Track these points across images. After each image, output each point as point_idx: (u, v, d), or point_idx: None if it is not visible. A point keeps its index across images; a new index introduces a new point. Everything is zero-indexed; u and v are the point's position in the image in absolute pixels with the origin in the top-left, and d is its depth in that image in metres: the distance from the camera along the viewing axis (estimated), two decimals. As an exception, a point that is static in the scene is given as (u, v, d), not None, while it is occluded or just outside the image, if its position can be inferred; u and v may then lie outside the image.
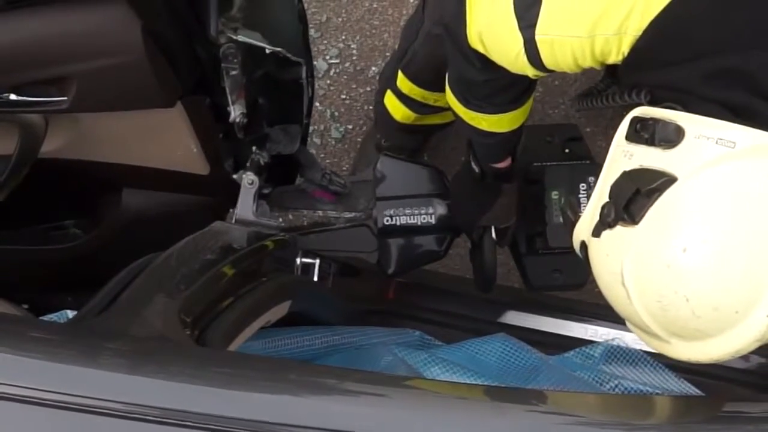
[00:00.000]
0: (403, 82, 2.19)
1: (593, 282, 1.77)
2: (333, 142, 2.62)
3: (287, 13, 1.60)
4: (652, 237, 1.02)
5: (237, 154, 1.80)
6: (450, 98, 1.55)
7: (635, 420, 0.99)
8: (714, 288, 0.98)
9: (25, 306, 1.73)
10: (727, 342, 1.00)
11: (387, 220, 1.85)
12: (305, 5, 1.65)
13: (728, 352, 1.01)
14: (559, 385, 1.50)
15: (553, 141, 1.81)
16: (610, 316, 1.93)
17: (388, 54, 2.60)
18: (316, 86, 2.46)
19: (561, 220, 1.70)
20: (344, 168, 2.58)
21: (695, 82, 1.08)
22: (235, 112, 1.63)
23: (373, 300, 2.06)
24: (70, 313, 1.35)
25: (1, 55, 1.42)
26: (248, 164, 1.76)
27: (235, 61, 1.56)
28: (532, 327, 1.99)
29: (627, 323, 1.14)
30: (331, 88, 2.64)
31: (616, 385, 1.55)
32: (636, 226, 1.03)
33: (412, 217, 1.85)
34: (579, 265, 1.74)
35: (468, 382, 1.40)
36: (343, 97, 2.64)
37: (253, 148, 1.76)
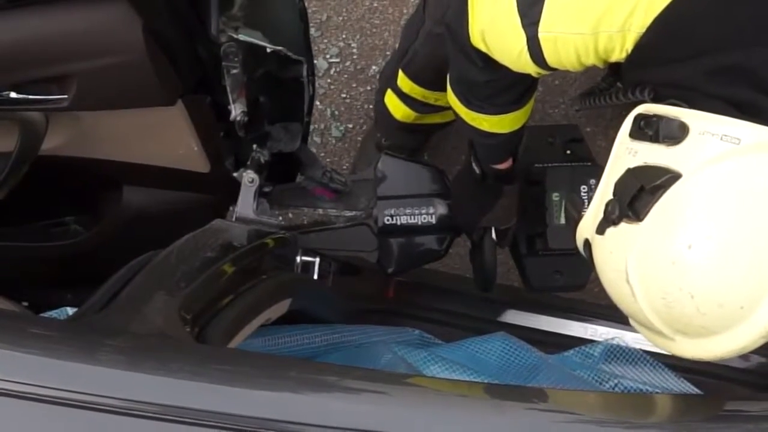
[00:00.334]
0: (403, 81, 2.19)
1: (593, 282, 1.78)
2: (333, 141, 2.62)
3: (288, 11, 1.60)
4: (657, 234, 1.02)
5: (238, 153, 1.80)
6: (451, 99, 1.55)
7: (635, 419, 0.99)
8: (719, 284, 0.98)
9: (25, 303, 1.74)
10: (732, 339, 1.00)
11: (387, 220, 1.85)
12: (306, 4, 1.65)
13: (733, 349, 1.01)
14: (558, 384, 1.50)
15: (555, 142, 1.80)
16: (610, 316, 1.95)
17: (388, 53, 2.60)
18: (317, 85, 2.47)
19: (562, 221, 1.70)
20: (344, 167, 2.59)
21: (699, 79, 1.08)
22: (236, 111, 1.63)
23: (373, 298, 2.07)
24: (70, 310, 1.35)
25: (1, 53, 1.42)
26: (249, 162, 1.76)
27: (236, 59, 1.56)
28: (531, 326, 1.99)
29: (631, 321, 1.13)
30: (332, 87, 2.65)
31: (616, 384, 1.55)
32: (640, 223, 1.03)
33: (412, 216, 1.86)
34: (579, 267, 1.76)
35: (468, 380, 1.40)
36: (344, 96, 2.64)
37: (254, 146, 1.76)
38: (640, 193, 1.04)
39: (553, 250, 1.74)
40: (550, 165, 1.75)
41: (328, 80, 2.65)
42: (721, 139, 1.00)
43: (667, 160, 1.04)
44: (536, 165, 1.76)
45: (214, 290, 1.30)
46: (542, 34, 1.19)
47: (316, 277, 1.79)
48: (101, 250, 1.90)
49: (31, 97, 1.48)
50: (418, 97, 2.20)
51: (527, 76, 1.33)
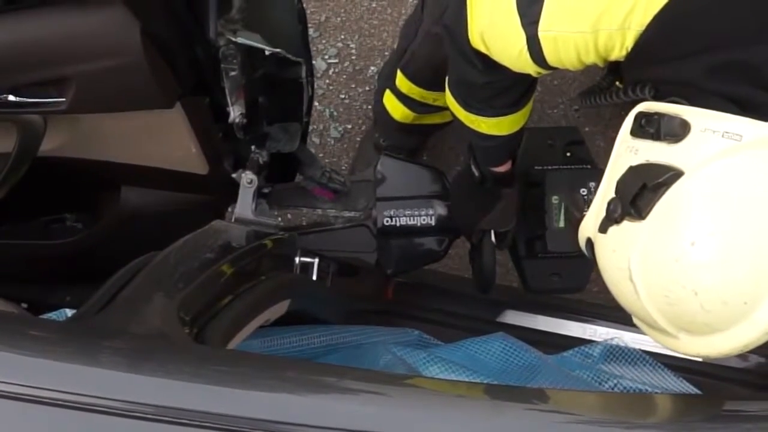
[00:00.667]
0: (402, 81, 2.19)
1: (592, 282, 1.79)
2: (332, 142, 2.62)
3: (287, 13, 1.60)
4: (660, 231, 1.02)
5: (236, 153, 1.80)
6: (450, 101, 1.54)
7: (634, 419, 0.98)
8: (723, 281, 0.98)
9: (24, 305, 1.74)
10: (736, 336, 1.00)
11: (387, 221, 1.85)
12: (304, 5, 1.65)
13: (737, 346, 1.01)
14: (558, 385, 1.50)
15: (555, 144, 1.80)
16: (610, 316, 1.95)
17: (387, 53, 2.60)
18: (315, 86, 2.47)
19: (561, 225, 1.71)
20: (343, 167, 2.59)
21: (699, 76, 1.08)
22: (235, 113, 1.63)
23: (372, 299, 2.07)
24: (69, 312, 1.35)
25: (-1, 55, 1.42)
26: (247, 163, 1.76)
27: (235, 61, 1.56)
28: (531, 326, 2.00)
29: (634, 319, 1.13)
30: (330, 87, 2.65)
31: (615, 384, 1.55)
32: (643, 221, 1.03)
33: (411, 218, 1.86)
34: (578, 269, 1.76)
35: (467, 380, 1.40)
36: (342, 96, 2.64)
37: (252, 147, 1.76)
38: (642, 191, 1.04)
39: (551, 253, 1.74)
40: (549, 167, 1.75)
41: (327, 81, 2.65)
42: (723, 136, 1.00)
43: (669, 157, 1.04)
44: (536, 167, 1.75)
45: (212, 291, 1.30)
46: (542, 33, 1.19)
47: (315, 277, 1.79)
48: (100, 249, 1.90)
49: (29, 100, 1.48)
50: (417, 98, 2.20)
51: (526, 76, 1.33)
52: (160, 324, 1.10)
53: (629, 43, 1.13)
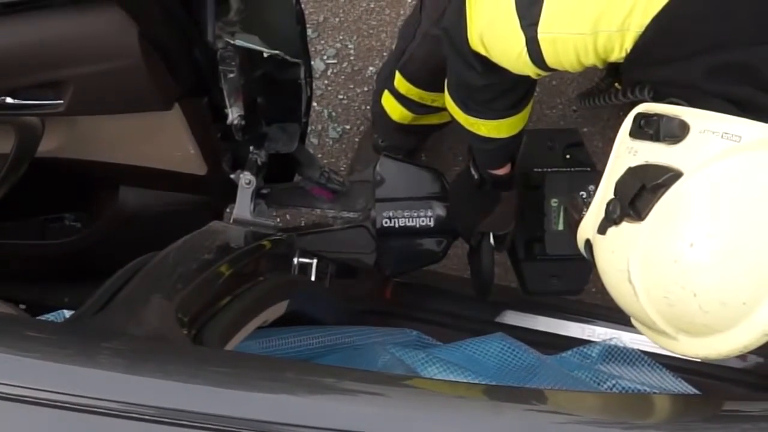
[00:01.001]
0: (400, 82, 2.19)
1: (591, 283, 1.79)
2: (330, 142, 2.62)
3: (285, 14, 1.60)
4: (659, 233, 1.02)
5: (235, 154, 1.80)
6: (449, 104, 1.54)
7: (633, 419, 0.98)
8: (721, 283, 0.98)
9: (22, 306, 1.73)
10: (735, 337, 1.00)
11: (386, 222, 1.85)
12: (303, 5, 1.65)
13: (736, 347, 1.01)
14: (556, 385, 1.50)
15: (554, 146, 1.80)
16: (608, 316, 1.95)
17: (385, 54, 2.60)
18: (314, 86, 2.47)
19: (560, 227, 1.71)
20: (342, 168, 2.58)
21: (699, 77, 1.08)
22: (233, 115, 1.63)
23: (371, 300, 2.07)
24: (68, 313, 1.35)
25: (-3, 58, 1.42)
26: (246, 164, 1.76)
27: (233, 63, 1.56)
28: (529, 327, 1.99)
29: (633, 321, 1.13)
30: (329, 88, 2.65)
31: (614, 385, 1.55)
32: (642, 222, 1.03)
33: (410, 219, 1.86)
34: (577, 272, 1.76)
35: (466, 381, 1.40)
36: (341, 97, 2.64)
37: (251, 147, 1.76)
38: (641, 192, 1.04)
39: (550, 256, 1.74)
40: (549, 170, 1.75)
41: (325, 81, 2.65)
42: (722, 137, 1.00)
43: (668, 158, 1.04)
44: (535, 169, 1.75)
45: (211, 292, 1.30)
46: (541, 35, 1.19)
47: (313, 278, 1.79)
48: (98, 249, 1.90)
49: (27, 102, 1.48)
50: (415, 98, 2.20)
51: (526, 78, 1.32)
52: (158, 325, 1.10)
53: (628, 45, 1.13)
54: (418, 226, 1.86)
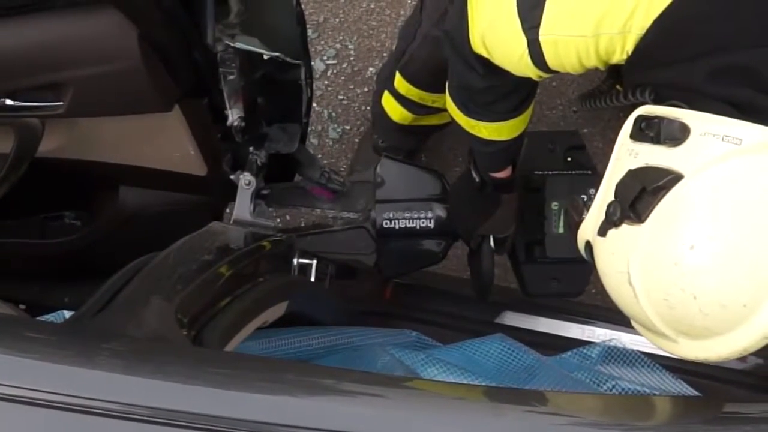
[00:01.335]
0: (400, 83, 2.19)
1: (590, 284, 1.79)
2: (330, 143, 2.62)
3: (285, 15, 1.60)
4: (659, 235, 1.01)
5: (235, 154, 1.80)
6: (450, 106, 1.54)
7: (633, 421, 0.98)
8: (721, 285, 0.97)
9: (22, 306, 1.73)
10: (735, 339, 0.99)
11: (386, 223, 1.85)
12: (303, 6, 1.65)
13: (736, 349, 1.00)
14: (556, 386, 1.50)
15: (555, 149, 1.80)
16: (608, 317, 1.95)
17: (385, 55, 2.60)
18: (314, 87, 2.47)
19: (560, 231, 1.71)
20: (342, 168, 2.59)
21: (700, 80, 1.08)
22: (233, 116, 1.63)
23: (371, 301, 2.06)
24: (67, 314, 1.34)
25: (-3, 60, 1.42)
26: (246, 165, 1.76)
27: (233, 65, 1.56)
28: (529, 328, 1.99)
29: (633, 323, 1.13)
30: (329, 88, 2.65)
31: (614, 386, 1.55)
32: (642, 224, 1.03)
33: (411, 220, 1.86)
34: (577, 274, 1.76)
35: (465, 382, 1.40)
36: (341, 97, 2.64)
37: (251, 148, 1.76)
38: (641, 195, 1.04)
39: (551, 259, 1.74)
40: (549, 173, 1.75)
41: (325, 82, 2.65)
42: (723, 139, 1.00)
43: (669, 161, 1.03)
44: (536, 172, 1.75)
45: (211, 293, 1.30)
46: (543, 37, 1.19)
47: (313, 279, 1.79)
48: (98, 248, 1.90)
49: (26, 104, 1.48)
50: (415, 99, 2.20)
51: (527, 81, 1.32)
52: (158, 326, 1.10)
53: (630, 47, 1.13)
54: (418, 227, 1.86)
